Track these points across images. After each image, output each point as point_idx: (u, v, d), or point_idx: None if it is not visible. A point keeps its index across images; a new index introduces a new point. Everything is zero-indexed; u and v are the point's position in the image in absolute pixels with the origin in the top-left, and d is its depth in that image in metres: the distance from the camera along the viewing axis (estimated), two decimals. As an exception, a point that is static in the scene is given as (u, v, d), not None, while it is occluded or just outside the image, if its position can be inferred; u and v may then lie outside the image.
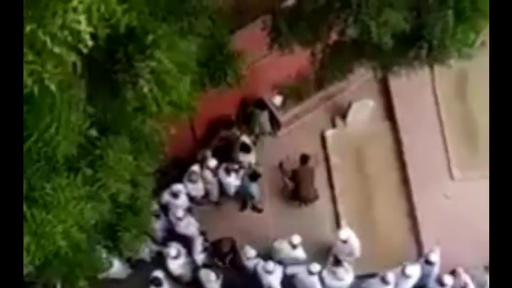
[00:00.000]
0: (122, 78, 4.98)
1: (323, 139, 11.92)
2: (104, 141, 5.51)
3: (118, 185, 5.62)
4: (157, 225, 10.52)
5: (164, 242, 10.79)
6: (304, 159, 10.96)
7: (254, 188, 10.99)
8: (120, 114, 5.56)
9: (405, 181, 11.50)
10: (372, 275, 10.26)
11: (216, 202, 11.49)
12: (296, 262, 10.28)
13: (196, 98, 5.93)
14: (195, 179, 10.80)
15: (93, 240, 6.33)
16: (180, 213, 10.50)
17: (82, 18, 3.61)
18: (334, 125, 12.10)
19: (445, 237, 10.50)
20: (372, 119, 12.04)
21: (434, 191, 11.25)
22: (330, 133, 11.97)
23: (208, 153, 11.12)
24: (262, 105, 11.57)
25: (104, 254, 6.93)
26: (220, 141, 11.57)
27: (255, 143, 11.62)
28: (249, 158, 11.19)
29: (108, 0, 3.75)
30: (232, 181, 10.92)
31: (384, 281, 9.69)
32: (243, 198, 11.41)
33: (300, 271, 10.08)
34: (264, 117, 11.58)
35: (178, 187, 10.74)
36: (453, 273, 10.02)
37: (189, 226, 10.69)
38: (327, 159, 11.77)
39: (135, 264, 10.83)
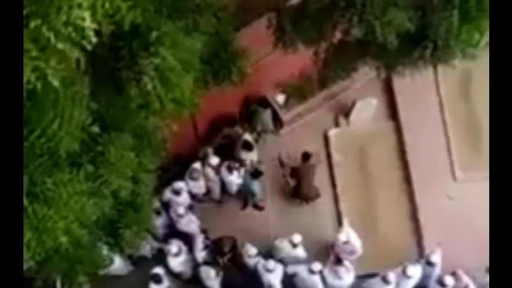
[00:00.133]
0: (126, 75, 4.99)
1: (326, 138, 11.89)
2: (106, 138, 5.51)
3: (119, 182, 5.64)
4: (159, 222, 10.49)
5: (165, 239, 10.79)
6: (306, 156, 10.91)
7: (256, 186, 10.98)
8: (123, 111, 5.56)
9: (408, 181, 11.46)
10: (372, 275, 10.24)
11: (217, 200, 11.48)
12: (296, 261, 10.28)
13: (199, 95, 5.93)
14: (196, 176, 10.79)
15: (94, 236, 6.34)
16: (181, 210, 10.49)
17: (86, 14, 3.61)
18: (337, 124, 12.06)
19: (447, 238, 10.45)
20: (375, 117, 12.00)
21: (436, 192, 11.21)
22: (333, 132, 11.94)
23: (210, 150, 11.09)
24: (265, 103, 11.55)
25: (105, 251, 6.94)
26: (223, 139, 11.55)
27: (257, 141, 11.58)
28: (251, 156, 11.17)
29: (112, -3, 3.75)
30: (234, 179, 10.91)
31: (385, 281, 9.68)
32: (244, 196, 11.39)
33: (300, 270, 10.08)
34: (266, 115, 11.56)
35: (179, 184, 10.72)
36: (454, 274, 10.00)
37: (190, 224, 10.68)
38: (329, 157, 11.74)
39: (137, 261, 10.83)
